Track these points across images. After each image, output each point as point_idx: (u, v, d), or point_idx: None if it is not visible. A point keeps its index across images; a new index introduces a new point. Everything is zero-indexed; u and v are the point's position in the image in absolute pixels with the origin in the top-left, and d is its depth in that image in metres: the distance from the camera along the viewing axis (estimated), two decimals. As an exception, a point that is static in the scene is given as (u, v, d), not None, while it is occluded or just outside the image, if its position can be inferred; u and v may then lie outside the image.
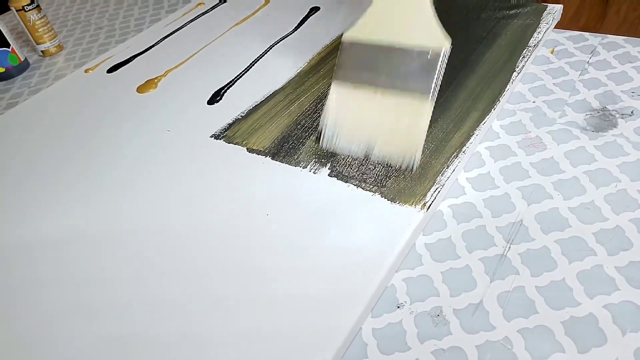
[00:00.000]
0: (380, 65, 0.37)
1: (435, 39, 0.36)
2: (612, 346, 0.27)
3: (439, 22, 0.36)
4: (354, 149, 0.38)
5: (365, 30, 0.38)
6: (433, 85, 0.35)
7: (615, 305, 0.29)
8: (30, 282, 0.36)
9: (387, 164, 0.37)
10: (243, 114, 0.47)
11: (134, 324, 0.31)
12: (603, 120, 0.40)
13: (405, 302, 0.31)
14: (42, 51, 0.71)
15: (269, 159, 0.42)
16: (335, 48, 0.54)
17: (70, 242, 0.38)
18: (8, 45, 0.66)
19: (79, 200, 0.42)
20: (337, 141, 0.38)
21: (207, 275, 0.33)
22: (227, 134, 0.45)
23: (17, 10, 0.67)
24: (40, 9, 0.69)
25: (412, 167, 0.36)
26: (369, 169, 0.38)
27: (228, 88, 0.52)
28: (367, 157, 0.37)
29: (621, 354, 0.26)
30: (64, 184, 0.44)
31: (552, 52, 0.49)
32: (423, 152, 0.37)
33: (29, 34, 0.69)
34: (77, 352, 0.30)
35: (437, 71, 0.35)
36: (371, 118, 0.37)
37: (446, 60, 0.36)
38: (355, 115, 0.38)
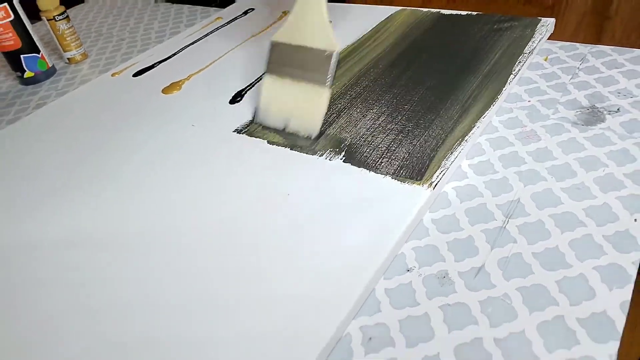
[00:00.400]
0: (295, 61, 0.48)
1: (331, 44, 0.46)
2: (600, 299, 0.30)
3: (332, 30, 0.46)
4: (278, 123, 0.49)
5: (286, 34, 0.48)
6: (328, 77, 0.46)
7: (603, 266, 0.32)
8: (36, 283, 0.37)
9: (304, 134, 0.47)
10: (262, 110, 0.51)
11: (134, 322, 0.33)
12: (592, 116, 0.45)
13: (415, 266, 0.34)
14: (68, 58, 0.76)
15: (287, 149, 0.46)
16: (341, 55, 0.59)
17: (92, 240, 0.40)
18: (38, 52, 0.71)
19: (104, 195, 0.45)
20: (267, 117, 0.49)
21: (225, 267, 0.35)
22: (248, 128, 0.49)
23: (48, 20, 0.72)
24: (69, 19, 0.74)
25: (312, 136, 0.46)
26: (378, 155, 0.42)
27: (249, 89, 0.56)
28: (285, 128, 0.48)
29: (609, 306, 0.30)
30: (85, 181, 0.47)
31: (545, 60, 0.54)
32: (327, 129, 0.47)
33: (57, 42, 0.74)
34: (81, 352, 0.31)
35: (330, 66, 0.46)
36: (289, 101, 0.48)
37: (337, 59, 0.46)
38: (279, 99, 0.49)
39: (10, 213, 0.44)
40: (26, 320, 0.34)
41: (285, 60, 0.48)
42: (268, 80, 0.49)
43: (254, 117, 0.51)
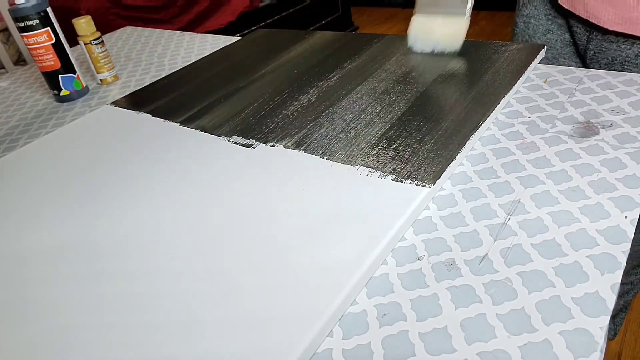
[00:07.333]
0: (439, 3, 0.63)
1: None
2: (593, 282, 0.33)
3: None
4: (427, 48, 0.66)
5: None
6: (467, 9, 0.62)
7: (596, 255, 0.35)
8: (39, 293, 0.39)
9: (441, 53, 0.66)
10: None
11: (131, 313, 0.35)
12: (587, 129, 0.49)
13: (424, 255, 0.38)
14: (100, 79, 0.82)
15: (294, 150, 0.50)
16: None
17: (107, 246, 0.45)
18: (74, 72, 0.77)
19: (128, 201, 0.50)
20: (416, 45, 0.67)
21: (224, 260, 0.39)
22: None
23: (85, 44, 0.78)
24: (104, 43, 0.80)
25: (455, 52, 0.64)
26: (386, 156, 0.46)
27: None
28: (432, 52, 0.66)
29: (601, 288, 0.33)
30: (97, 190, 0.51)
31: (545, 82, 0.58)
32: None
33: (91, 64, 0.80)
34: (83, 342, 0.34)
35: (469, 2, 0.61)
36: (435, 31, 0.65)
37: None
38: (427, 32, 0.65)
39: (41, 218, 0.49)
40: (28, 330, 0.36)
41: (430, 3, 0.64)
42: (417, 19, 0.65)
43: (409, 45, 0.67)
